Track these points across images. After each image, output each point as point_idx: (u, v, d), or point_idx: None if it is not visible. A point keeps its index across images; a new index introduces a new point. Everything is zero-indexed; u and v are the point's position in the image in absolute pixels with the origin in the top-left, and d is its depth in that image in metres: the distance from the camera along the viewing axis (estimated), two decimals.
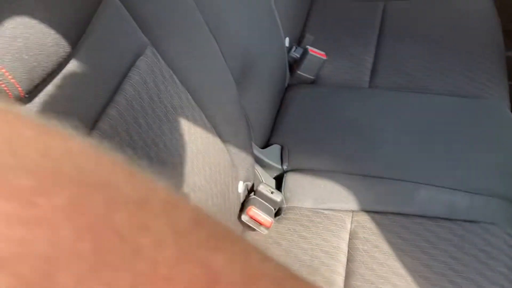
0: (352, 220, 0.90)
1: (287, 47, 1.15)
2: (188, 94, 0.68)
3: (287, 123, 1.06)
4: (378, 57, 1.21)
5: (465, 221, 0.90)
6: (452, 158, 0.95)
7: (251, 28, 0.90)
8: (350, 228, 0.89)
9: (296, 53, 1.17)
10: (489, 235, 0.86)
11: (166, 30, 0.67)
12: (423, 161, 0.96)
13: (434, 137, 1.00)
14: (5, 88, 0.40)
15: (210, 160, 0.71)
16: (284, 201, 0.94)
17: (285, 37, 1.13)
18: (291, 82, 1.18)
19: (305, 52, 1.13)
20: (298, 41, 1.23)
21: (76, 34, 0.47)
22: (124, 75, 0.56)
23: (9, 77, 0.39)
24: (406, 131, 1.01)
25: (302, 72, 1.15)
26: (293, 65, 1.17)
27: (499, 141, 1.00)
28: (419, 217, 0.89)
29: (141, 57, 0.58)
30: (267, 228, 0.86)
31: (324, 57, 1.13)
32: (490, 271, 0.82)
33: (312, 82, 1.17)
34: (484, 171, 0.94)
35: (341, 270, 0.85)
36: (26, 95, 0.43)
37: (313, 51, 1.13)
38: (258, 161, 1.00)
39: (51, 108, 0.45)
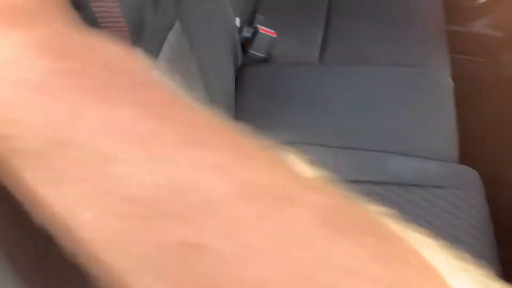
0: None
1: (238, 27, 1.18)
2: None
3: (242, 102, 1.10)
4: (327, 33, 1.25)
5: (434, 186, 0.95)
6: (403, 125, 1.01)
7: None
8: None
9: (247, 33, 1.20)
10: (454, 198, 0.92)
11: None
12: (377, 130, 1.01)
13: (384, 106, 1.05)
14: None
15: None
16: None
17: (236, 18, 1.16)
18: (244, 61, 1.20)
19: (255, 31, 1.16)
20: (250, 21, 1.26)
21: None
22: None
23: None
24: (357, 102, 1.06)
25: (254, 51, 1.18)
26: (245, 44, 1.19)
27: (442, 107, 1.06)
28: (391, 185, 0.94)
29: None
30: None
31: (274, 35, 1.17)
32: (458, 231, 0.88)
33: (265, 61, 1.20)
34: (433, 136, 1.00)
35: None
36: None
37: (263, 29, 1.16)
38: None
39: None
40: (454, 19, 1.62)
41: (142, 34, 0.67)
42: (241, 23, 1.20)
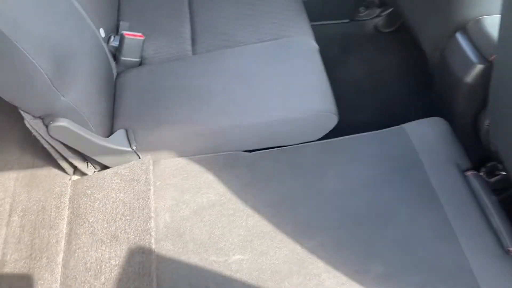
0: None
1: (104, 37, 1.17)
2: None
3: (125, 107, 1.10)
4: (194, 27, 1.29)
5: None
6: (280, 92, 1.07)
7: (55, 27, 0.91)
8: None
9: (115, 42, 1.20)
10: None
11: None
12: (258, 102, 1.07)
13: (259, 79, 1.11)
14: None
15: None
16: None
17: (99, 29, 1.16)
18: (119, 70, 1.21)
19: (122, 38, 1.17)
20: (116, 30, 1.26)
21: None
22: None
23: None
24: (234, 82, 1.11)
25: (126, 57, 1.18)
26: (116, 53, 1.19)
27: (312, 68, 1.14)
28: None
29: None
30: None
31: (142, 37, 1.18)
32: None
33: (139, 64, 1.21)
34: (310, 95, 1.07)
35: None
36: None
37: (129, 34, 1.17)
38: (107, 151, 1.03)
39: None
40: None
41: None
42: (107, 33, 1.20)
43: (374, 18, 1.83)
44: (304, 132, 1.09)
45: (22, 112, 0.91)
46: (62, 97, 0.91)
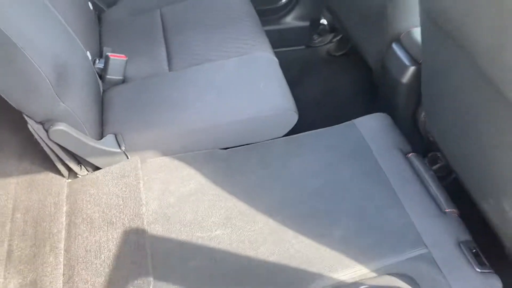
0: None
1: (90, 60, 1.34)
2: None
3: (113, 115, 1.26)
4: (168, 48, 1.48)
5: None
6: (248, 96, 1.27)
7: (54, 41, 1.08)
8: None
9: (100, 64, 1.36)
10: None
11: None
12: (228, 105, 1.25)
13: (229, 88, 1.30)
14: None
15: None
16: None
17: (87, 51, 1.32)
18: (105, 87, 1.37)
19: (107, 59, 1.34)
20: (99, 55, 1.43)
21: None
22: None
23: None
24: (207, 92, 1.29)
25: (111, 76, 1.35)
26: (102, 73, 1.36)
27: (274, 77, 1.34)
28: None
29: None
30: None
31: (125, 58, 1.35)
32: None
33: (122, 82, 1.37)
34: (273, 97, 1.26)
35: None
36: None
37: (113, 55, 1.34)
38: (99, 152, 1.17)
39: None
40: (269, 21, 1.96)
41: None
42: (92, 56, 1.37)
43: (326, 44, 2.07)
44: (270, 130, 1.27)
45: (26, 117, 1.06)
46: (61, 103, 1.06)
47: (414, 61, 1.31)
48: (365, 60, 1.66)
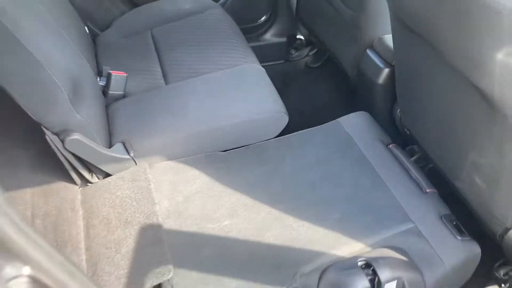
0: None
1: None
2: None
3: (119, 125, 1.36)
4: (163, 65, 1.60)
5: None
6: (241, 101, 1.39)
7: (67, 58, 1.19)
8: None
9: (102, 82, 1.47)
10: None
11: None
12: (224, 111, 1.37)
13: (223, 96, 1.42)
14: None
15: None
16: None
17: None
18: (108, 102, 1.47)
19: (109, 76, 1.44)
20: (99, 73, 1.53)
21: None
22: None
23: None
24: (205, 98, 1.41)
25: (113, 91, 1.45)
26: (104, 89, 1.46)
27: (263, 84, 1.48)
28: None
29: None
30: None
31: (125, 74, 1.46)
32: None
33: (123, 97, 1.48)
34: (264, 101, 1.40)
35: None
36: None
37: (115, 72, 1.45)
38: (110, 159, 1.27)
39: None
40: (250, 39, 2.11)
41: None
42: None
43: (304, 58, 2.23)
44: (264, 131, 1.40)
45: (43, 128, 1.15)
46: (77, 114, 1.16)
47: (387, 63, 1.47)
48: (340, 69, 1.82)
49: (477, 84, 0.90)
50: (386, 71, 1.46)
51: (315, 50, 2.20)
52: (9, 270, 0.52)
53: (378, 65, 1.48)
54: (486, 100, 0.93)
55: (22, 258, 0.51)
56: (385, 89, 1.48)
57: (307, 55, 2.23)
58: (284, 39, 2.19)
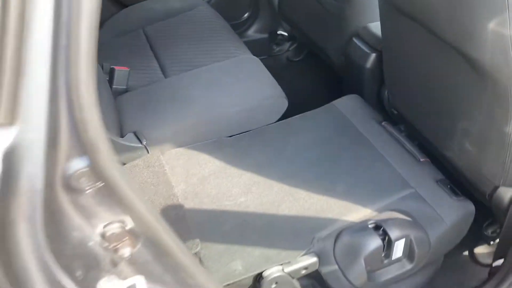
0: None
1: None
2: None
3: (128, 116, 1.42)
4: (159, 61, 1.66)
5: None
6: (241, 90, 1.47)
7: None
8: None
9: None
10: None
11: None
12: (224, 99, 1.45)
13: (223, 86, 1.50)
14: None
15: None
16: None
17: None
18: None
19: (112, 71, 1.50)
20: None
21: None
22: None
23: None
24: (208, 87, 1.49)
25: (116, 86, 1.51)
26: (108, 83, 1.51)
27: (259, 73, 1.57)
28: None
29: None
30: None
31: (128, 69, 1.52)
32: None
33: (126, 91, 1.53)
34: (264, 88, 1.48)
35: None
36: None
37: (118, 67, 1.50)
38: (124, 148, 1.33)
39: None
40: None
41: None
42: None
43: (285, 52, 2.33)
44: (266, 116, 1.48)
45: None
46: None
47: (374, 49, 1.58)
48: (322, 60, 1.94)
49: (469, 54, 1.02)
50: (373, 55, 1.58)
51: (295, 45, 2.31)
52: (108, 215, 0.58)
53: (365, 51, 1.59)
54: (476, 69, 1.05)
55: (124, 207, 0.57)
56: (373, 73, 1.60)
57: (288, 50, 2.34)
58: (266, 35, 2.29)
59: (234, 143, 1.43)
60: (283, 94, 1.49)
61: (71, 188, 0.55)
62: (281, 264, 1.11)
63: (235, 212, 1.22)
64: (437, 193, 1.25)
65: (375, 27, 1.59)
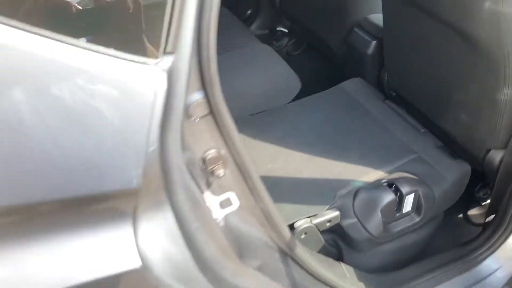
0: None
1: None
2: None
3: None
4: None
5: None
6: (259, 70, 1.64)
7: None
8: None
9: None
10: None
11: None
12: (247, 79, 1.61)
13: (242, 68, 1.66)
14: None
15: None
16: None
17: None
18: None
19: None
20: None
21: None
22: None
23: None
24: (224, 71, 1.64)
25: None
26: None
27: (273, 55, 1.73)
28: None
29: None
30: None
31: None
32: None
33: None
34: (278, 68, 1.65)
35: None
36: None
37: None
38: None
39: None
40: None
41: None
42: None
43: (284, 47, 2.51)
44: (280, 96, 1.65)
45: None
46: None
47: (374, 37, 1.77)
48: (319, 53, 2.12)
49: (466, 31, 1.21)
50: (373, 43, 1.76)
51: (294, 40, 2.49)
52: (210, 142, 0.73)
53: (366, 39, 1.78)
54: (472, 44, 1.24)
55: (224, 136, 0.72)
56: (373, 58, 1.79)
57: (286, 45, 2.51)
58: (266, 31, 2.46)
59: (255, 120, 1.59)
60: (296, 77, 1.67)
61: (188, 114, 0.69)
62: (309, 217, 1.27)
63: (264, 176, 1.37)
64: (438, 157, 1.44)
65: (374, 18, 1.79)
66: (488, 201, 1.59)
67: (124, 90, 0.62)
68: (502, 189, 1.40)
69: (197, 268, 0.71)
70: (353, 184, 1.35)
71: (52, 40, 0.58)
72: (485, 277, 1.35)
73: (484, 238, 1.41)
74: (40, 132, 0.58)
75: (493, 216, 1.46)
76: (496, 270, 1.35)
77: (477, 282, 1.34)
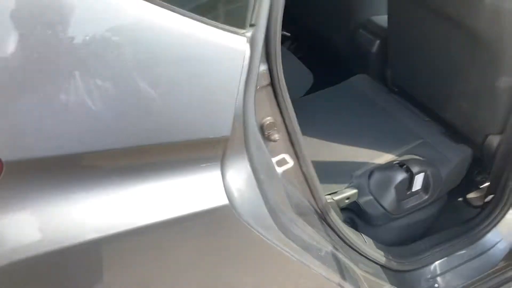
0: None
1: None
2: None
3: None
4: None
5: None
6: None
7: None
8: None
9: None
10: None
11: None
12: None
13: None
14: None
15: None
16: None
17: None
18: None
19: None
20: None
21: None
22: None
23: None
24: None
25: None
26: None
27: (284, 53, 1.86)
28: None
29: None
30: None
31: None
32: None
33: None
34: (293, 64, 1.78)
35: None
36: None
37: None
38: None
39: None
40: None
41: None
42: None
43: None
44: (294, 90, 1.77)
45: None
46: None
47: (379, 36, 1.92)
48: (321, 55, 2.27)
49: (469, 24, 1.36)
50: (378, 41, 1.91)
51: (295, 44, 2.64)
52: (267, 112, 0.85)
53: (371, 38, 1.93)
54: (472, 38, 1.39)
55: (279, 106, 0.85)
56: (377, 56, 1.93)
57: (289, 48, 2.66)
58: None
59: None
60: (308, 71, 1.80)
61: None
62: (330, 194, 1.40)
63: None
64: (442, 142, 1.58)
65: (377, 19, 1.94)
66: (486, 184, 1.74)
67: (225, 52, 0.76)
68: (500, 170, 1.54)
69: (266, 211, 0.83)
70: (367, 166, 1.48)
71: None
72: (488, 249, 1.48)
73: (485, 214, 1.55)
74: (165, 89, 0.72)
75: (491, 196, 1.60)
76: (497, 242, 1.49)
77: (481, 253, 1.47)
